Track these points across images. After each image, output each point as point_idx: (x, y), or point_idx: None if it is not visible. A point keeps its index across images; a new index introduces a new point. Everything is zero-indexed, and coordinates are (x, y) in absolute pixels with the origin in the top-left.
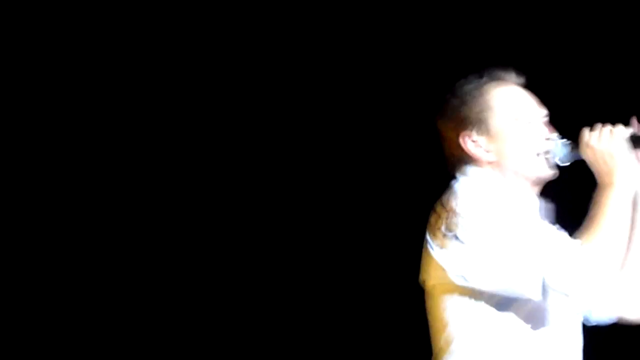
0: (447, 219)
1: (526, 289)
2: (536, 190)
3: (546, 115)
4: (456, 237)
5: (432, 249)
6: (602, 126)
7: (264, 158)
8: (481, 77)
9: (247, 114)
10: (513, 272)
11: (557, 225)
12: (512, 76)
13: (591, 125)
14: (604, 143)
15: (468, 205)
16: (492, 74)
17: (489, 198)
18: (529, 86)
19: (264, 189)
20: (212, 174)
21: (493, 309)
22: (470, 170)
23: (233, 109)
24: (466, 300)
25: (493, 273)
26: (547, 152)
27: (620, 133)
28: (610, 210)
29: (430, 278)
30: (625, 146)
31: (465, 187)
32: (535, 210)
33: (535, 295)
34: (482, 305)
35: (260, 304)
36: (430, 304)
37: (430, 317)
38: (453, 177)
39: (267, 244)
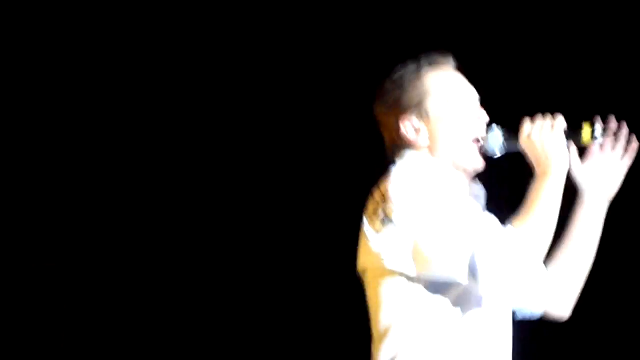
0: (382, 203)
1: (456, 273)
2: (469, 178)
3: (479, 100)
4: (390, 222)
5: (368, 234)
6: (543, 117)
7: (260, 158)
8: (418, 62)
9: (244, 114)
10: (443, 256)
11: (490, 213)
12: (449, 61)
13: (531, 115)
14: (545, 134)
15: (402, 190)
16: (428, 59)
17: (423, 182)
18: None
19: (262, 189)
20: (212, 173)
21: (428, 295)
22: (407, 154)
23: (228, 110)
24: (402, 285)
25: (425, 257)
26: (483, 141)
27: (560, 125)
28: (542, 199)
29: (367, 264)
30: (564, 138)
31: (401, 171)
32: (467, 196)
33: (464, 280)
34: (417, 291)
35: (258, 304)
36: (368, 291)
37: (369, 305)
38: (392, 162)
39: (264, 243)
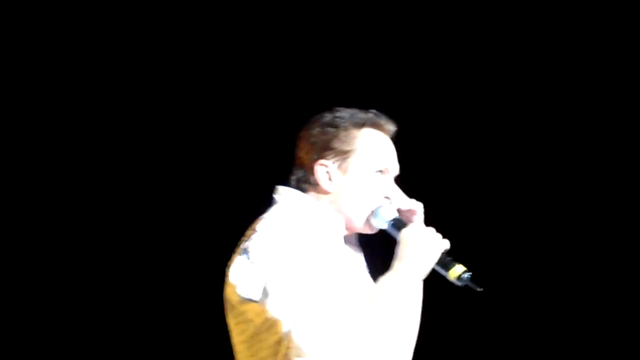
0: (248, 237)
1: (274, 324)
2: (351, 238)
3: (397, 174)
4: (245, 252)
5: (229, 267)
6: (434, 231)
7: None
8: (363, 115)
9: (243, 114)
10: (273, 303)
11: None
12: (389, 125)
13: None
14: (425, 242)
15: (268, 227)
16: (372, 116)
17: (294, 226)
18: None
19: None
20: (211, 174)
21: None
22: (292, 194)
23: (228, 110)
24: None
25: (258, 294)
26: (375, 209)
27: (443, 246)
28: (385, 297)
29: (225, 293)
30: (437, 257)
31: (280, 210)
32: (333, 255)
33: (278, 332)
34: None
35: None
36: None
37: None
38: (272, 193)
39: None
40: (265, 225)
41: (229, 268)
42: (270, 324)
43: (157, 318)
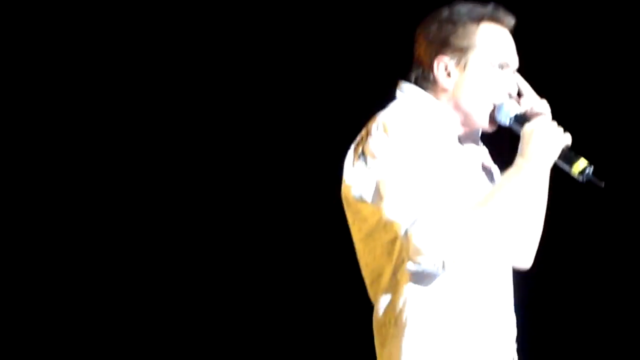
0: (365, 138)
1: (394, 225)
2: (471, 135)
3: (517, 68)
4: (362, 155)
5: (345, 166)
6: (556, 125)
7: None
8: (479, 8)
9: (242, 114)
10: (392, 205)
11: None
12: (509, 19)
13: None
14: (548, 136)
15: (383, 128)
16: (490, 10)
17: (410, 127)
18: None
19: (260, 189)
20: (210, 173)
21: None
22: (413, 90)
23: (227, 110)
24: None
25: (376, 198)
26: (499, 104)
27: (565, 140)
28: (506, 192)
29: (344, 196)
30: (559, 151)
31: (393, 111)
32: (450, 154)
33: (400, 234)
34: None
35: (256, 304)
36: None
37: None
38: (393, 91)
39: (262, 243)
40: (380, 127)
41: (345, 166)
42: (384, 224)
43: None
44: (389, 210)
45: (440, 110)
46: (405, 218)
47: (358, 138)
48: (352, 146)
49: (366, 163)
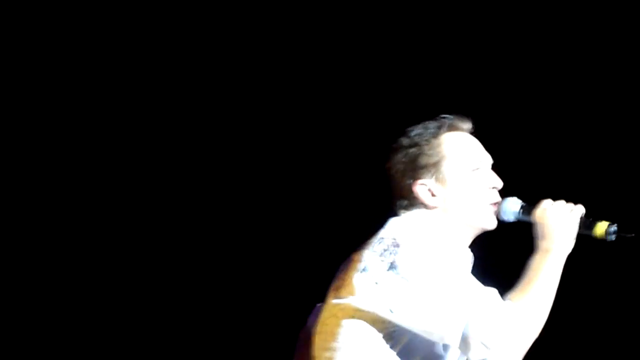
0: (385, 248)
1: (447, 334)
2: (472, 238)
3: (491, 163)
4: (393, 267)
5: (360, 272)
6: (564, 202)
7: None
8: (436, 122)
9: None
10: (439, 315)
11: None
12: (466, 124)
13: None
14: (561, 213)
15: (410, 239)
16: (447, 120)
17: (430, 238)
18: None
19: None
20: (210, 174)
21: (399, 348)
22: (415, 210)
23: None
24: (373, 331)
25: (420, 311)
26: (496, 204)
27: (579, 211)
28: (543, 275)
29: (346, 300)
30: (577, 223)
31: (409, 222)
32: (468, 262)
33: (454, 343)
34: (387, 341)
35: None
36: (328, 321)
37: (320, 334)
38: (394, 213)
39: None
40: (408, 238)
41: (358, 275)
42: (424, 333)
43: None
44: (433, 321)
45: (447, 222)
46: (449, 325)
47: (366, 245)
48: (362, 254)
49: (399, 273)
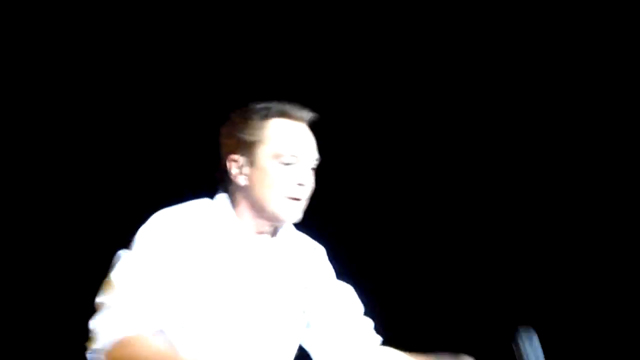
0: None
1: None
2: (268, 227)
3: (317, 160)
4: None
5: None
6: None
7: None
8: (271, 105)
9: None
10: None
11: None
12: (301, 113)
13: None
14: None
15: (156, 222)
16: (279, 106)
17: (175, 226)
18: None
19: None
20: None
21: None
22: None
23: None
24: None
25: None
26: (295, 200)
27: None
28: None
29: None
30: None
31: (177, 211)
32: (235, 256)
33: None
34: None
35: None
36: None
37: None
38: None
39: None
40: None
41: None
42: None
43: None
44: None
45: (225, 214)
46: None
47: None
48: None
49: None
